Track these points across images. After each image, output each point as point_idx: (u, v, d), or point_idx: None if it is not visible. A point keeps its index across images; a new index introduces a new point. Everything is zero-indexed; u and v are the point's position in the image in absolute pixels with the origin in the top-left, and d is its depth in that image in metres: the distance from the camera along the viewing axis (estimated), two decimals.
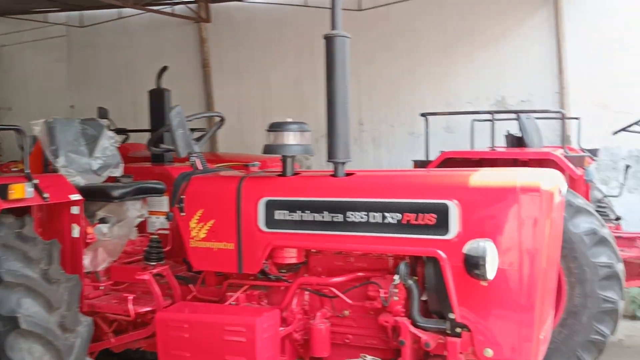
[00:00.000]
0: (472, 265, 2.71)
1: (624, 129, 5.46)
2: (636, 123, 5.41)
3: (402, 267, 3.04)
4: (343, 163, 3.25)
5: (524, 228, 2.83)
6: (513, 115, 5.67)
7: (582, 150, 6.27)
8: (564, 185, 3.22)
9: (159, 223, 4.47)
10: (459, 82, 7.81)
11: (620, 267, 4.49)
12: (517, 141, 5.59)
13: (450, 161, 4.97)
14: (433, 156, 5.33)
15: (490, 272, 2.73)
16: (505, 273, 2.83)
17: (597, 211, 5.58)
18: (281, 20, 8.75)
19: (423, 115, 5.22)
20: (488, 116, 5.53)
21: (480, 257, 2.69)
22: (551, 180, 3.02)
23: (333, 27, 3.18)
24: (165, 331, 3.29)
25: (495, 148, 5.05)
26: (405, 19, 7.98)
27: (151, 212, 4.45)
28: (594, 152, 6.49)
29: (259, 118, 8.49)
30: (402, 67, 8.10)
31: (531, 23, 7.41)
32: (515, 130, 5.66)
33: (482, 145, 5.70)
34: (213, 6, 9.47)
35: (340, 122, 3.17)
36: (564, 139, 4.93)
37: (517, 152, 5.12)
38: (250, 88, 9.10)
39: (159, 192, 4.39)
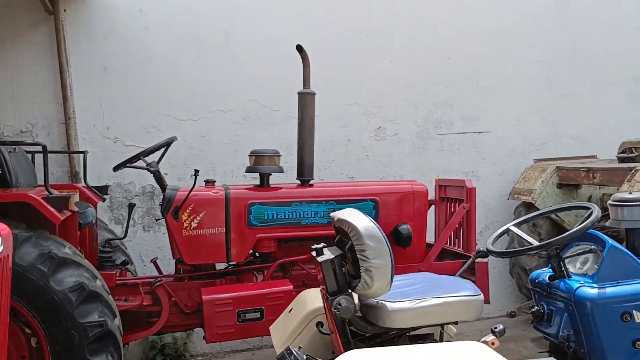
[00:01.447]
0: None
1: (124, 164, 5.15)
2: (138, 157, 5.16)
3: None
4: None
5: None
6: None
7: (88, 187, 5.81)
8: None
9: None
10: None
11: (115, 324, 4.09)
12: None
13: None
14: None
15: None
16: None
17: (102, 256, 5.18)
18: None
19: None
20: None
21: None
22: None
23: None
24: None
25: None
26: None
27: None
28: (104, 190, 6.11)
29: None
30: None
31: (28, 42, 6.62)
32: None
33: None
34: None
35: None
36: (47, 177, 4.27)
37: None
38: None
39: None
